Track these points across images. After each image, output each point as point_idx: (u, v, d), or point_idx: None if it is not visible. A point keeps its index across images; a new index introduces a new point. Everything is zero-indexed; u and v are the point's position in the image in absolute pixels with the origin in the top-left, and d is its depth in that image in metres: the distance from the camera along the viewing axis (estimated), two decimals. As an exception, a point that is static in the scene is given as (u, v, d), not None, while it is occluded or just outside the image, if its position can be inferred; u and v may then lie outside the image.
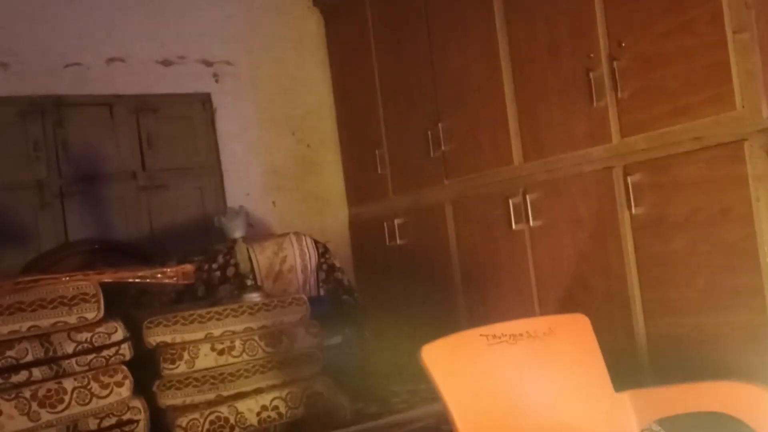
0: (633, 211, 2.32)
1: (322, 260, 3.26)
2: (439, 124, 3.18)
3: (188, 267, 2.66)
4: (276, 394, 2.43)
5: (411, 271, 3.45)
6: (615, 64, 2.34)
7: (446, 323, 3.06)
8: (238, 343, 2.43)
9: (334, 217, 4.02)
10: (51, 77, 3.38)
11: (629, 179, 2.32)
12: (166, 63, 3.68)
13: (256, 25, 3.91)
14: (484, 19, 2.87)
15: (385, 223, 3.58)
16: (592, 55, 2.42)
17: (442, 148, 3.18)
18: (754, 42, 1.98)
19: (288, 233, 3.27)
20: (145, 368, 2.35)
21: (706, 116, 2.10)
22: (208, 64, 3.78)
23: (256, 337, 2.46)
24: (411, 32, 3.35)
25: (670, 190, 2.22)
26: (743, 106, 2.01)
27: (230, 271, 3.01)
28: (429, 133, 3.24)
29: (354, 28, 3.80)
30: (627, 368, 2.16)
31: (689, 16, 2.12)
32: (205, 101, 3.76)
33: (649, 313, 2.32)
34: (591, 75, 2.42)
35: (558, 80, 2.58)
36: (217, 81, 3.80)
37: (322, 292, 3.28)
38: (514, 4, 2.75)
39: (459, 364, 1.75)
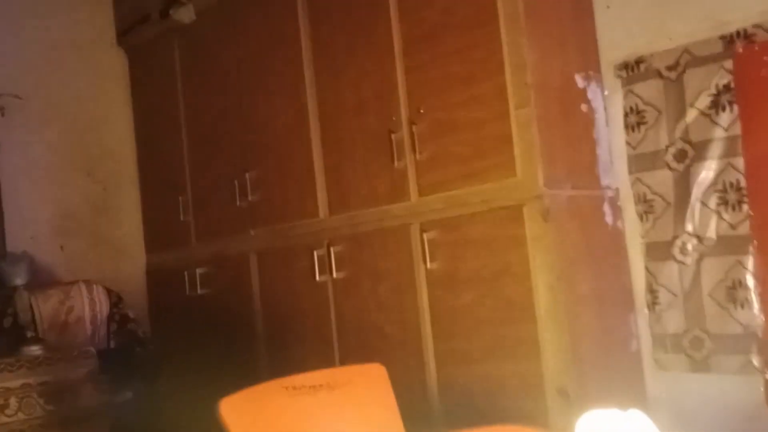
0: (428, 265, 2.47)
1: (115, 310, 3.08)
2: (246, 174, 3.18)
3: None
4: (56, 457, 2.23)
5: (212, 322, 3.36)
6: (414, 128, 2.51)
7: (248, 375, 3.00)
8: (13, 400, 2.21)
9: (130, 265, 3.82)
10: None
11: (425, 236, 2.47)
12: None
13: (52, 59, 3.68)
14: (294, 74, 2.95)
15: (186, 272, 3.46)
16: (394, 118, 2.57)
17: (249, 197, 3.18)
18: (532, 117, 2.23)
19: (77, 281, 3.06)
20: None
21: (492, 181, 2.31)
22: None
23: (35, 394, 2.25)
24: (219, 79, 3.34)
25: (461, 247, 2.39)
26: (522, 174, 2.24)
27: (7, 322, 2.74)
28: (236, 181, 3.22)
29: (160, 70, 3.71)
30: (420, 415, 2.26)
31: (479, 90, 2.34)
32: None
33: (441, 362, 2.46)
34: (393, 136, 2.57)
35: (363, 139, 2.70)
36: (2, 115, 3.50)
37: (113, 345, 3.08)
38: (324, 63, 2.86)
39: (259, 417, 1.73)
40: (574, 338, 2.20)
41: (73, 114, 3.73)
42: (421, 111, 2.49)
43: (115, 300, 3.09)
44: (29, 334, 2.53)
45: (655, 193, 2.43)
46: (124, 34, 3.90)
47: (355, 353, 2.71)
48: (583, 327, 2.26)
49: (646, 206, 2.45)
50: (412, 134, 2.51)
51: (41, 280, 3.29)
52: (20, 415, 2.21)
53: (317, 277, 2.83)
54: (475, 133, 2.35)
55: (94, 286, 3.05)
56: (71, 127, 3.72)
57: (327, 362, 2.76)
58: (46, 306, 2.88)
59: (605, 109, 2.54)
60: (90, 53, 3.83)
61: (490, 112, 2.31)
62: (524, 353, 2.22)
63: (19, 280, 2.55)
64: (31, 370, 2.26)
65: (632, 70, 2.47)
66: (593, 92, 2.51)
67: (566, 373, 2.16)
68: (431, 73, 2.47)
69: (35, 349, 2.40)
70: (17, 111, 3.54)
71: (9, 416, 2.18)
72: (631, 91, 2.49)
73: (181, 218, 3.54)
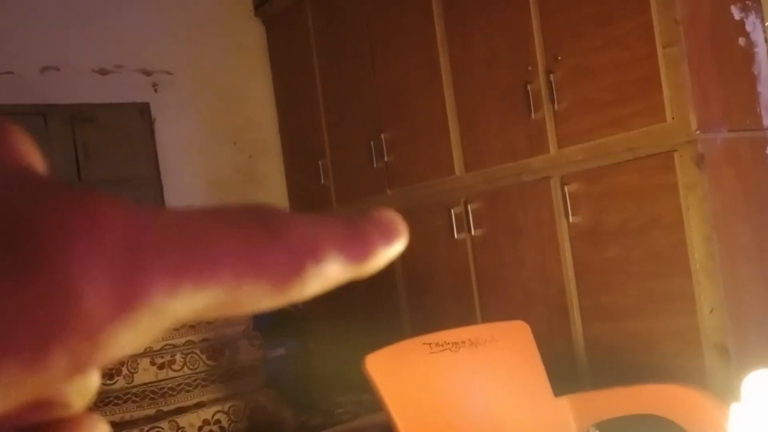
0: (570, 219, 2.38)
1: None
2: (382, 135, 3.20)
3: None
4: (218, 407, 2.39)
5: (355, 282, 3.44)
6: (551, 76, 2.40)
7: (390, 332, 3.07)
8: (179, 356, 2.39)
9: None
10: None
11: (566, 189, 2.38)
12: (103, 72, 3.60)
13: (196, 35, 3.87)
14: (425, 31, 2.91)
15: (328, 234, 3.56)
16: (529, 68, 2.48)
17: (385, 158, 3.20)
18: (682, 56, 2.06)
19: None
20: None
21: (638, 128, 2.17)
22: (146, 73, 3.71)
23: (198, 350, 2.42)
24: (352, 42, 3.37)
25: (605, 199, 2.28)
26: (673, 118, 2.09)
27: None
28: (372, 143, 3.26)
29: (296, 37, 3.79)
30: (565, 373, 2.21)
31: (621, 30, 2.19)
32: (143, 111, 3.69)
33: (587, 318, 2.38)
34: (529, 87, 2.48)
35: (497, 92, 2.63)
36: (156, 91, 3.73)
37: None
38: (454, 17, 2.80)
39: (402, 373, 1.76)
40: (733, 292, 2.05)
41: (218, 86, 3.91)
42: (558, 58, 2.38)
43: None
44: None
45: (827, 132, 2.19)
46: (260, 5, 4.02)
47: (496, 311, 2.69)
48: (743, 280, 2.10)
49: (817, 146, 2.22)
50: (549, 83, 2.41)
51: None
52: (186, 370, 2.38)
53: (456, 235, 2.82)
54: (617, 77, 2.21)
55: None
56: (217, 99, 3.91)
57: (468, 320, 2.75)
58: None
59: (766, 41, 2.30)
60: (230, 26, 3.99)
61: (633, 53, 2.16)
62: (678, 308, 2.10)
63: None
64: (194, 328, 2.42)
65: (798, -5, 2.22)
66: (752, 24, 2.28)
67: (725, 330, 2.02)
68: (567, 17, 2.35)
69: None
70: (169, 86, 3.76)
71: (176, 371, 2.37)
72: (798, 19, 2.24)
73: (322, 182, 3.64)
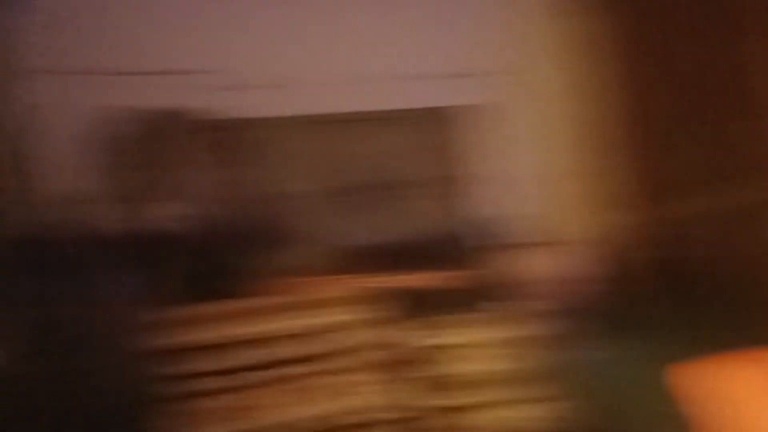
0: None
1: (596, 270, 3.07)
2: (730, 125, 2.79)
3: (461, 274, 2.68)
4: (519, 408, 2.30)
5: (674, 284, 3.05)
6: None
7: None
8: (479, 353, 2.37)
9: (606, 225, 3.74)
10: (333, 95, 3.69)
11: None
12: (452, 76, 3.80)
13: (534, 32, 3.84)
14: None
15: (662, 232, 3.22)
16: None
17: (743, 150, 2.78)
18: None
19: (558, 241, 3.15)
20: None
21: None
22: (486, 74, 3.82)
23: (500, 348, 2.38)
24: (706, 27, 3.00)
25: None
26: None
27: (494, 280, 2.98)
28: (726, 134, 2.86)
29: (641, 25, 3.53)
30: None
31: None
32: (489, 112, 3.80)
33: None
34: None
35: None
36: (495, 91, 3.82)
37: (600, 302, 3.08)
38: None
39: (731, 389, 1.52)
40: None
41: (553, 83, 3.83)
42: None
43: (598, 259, 3.08)
44: (500, 292, 2.68)
45: None
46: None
47: None
48: None
49: None
50: None
51: (523, 241, 3.48)
52: (515, 365, 2.34)
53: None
54: None
55: (577, 246, 3.10)
56: (550, 97, 3.82)
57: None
58: (532, 265, 3.04)
59: None
60: (569, 21, 3.88)
61: None
62: None
63: (502, 241, 2.75)
64: (519, 324, 2.39)
65: None
66: None
67: None
68: None
69: (500, 306, 2.54)
70: (506, 87, 3.81)
71: (505, 363, 2.33)
72: None
73: (672, 176, 3.30)
